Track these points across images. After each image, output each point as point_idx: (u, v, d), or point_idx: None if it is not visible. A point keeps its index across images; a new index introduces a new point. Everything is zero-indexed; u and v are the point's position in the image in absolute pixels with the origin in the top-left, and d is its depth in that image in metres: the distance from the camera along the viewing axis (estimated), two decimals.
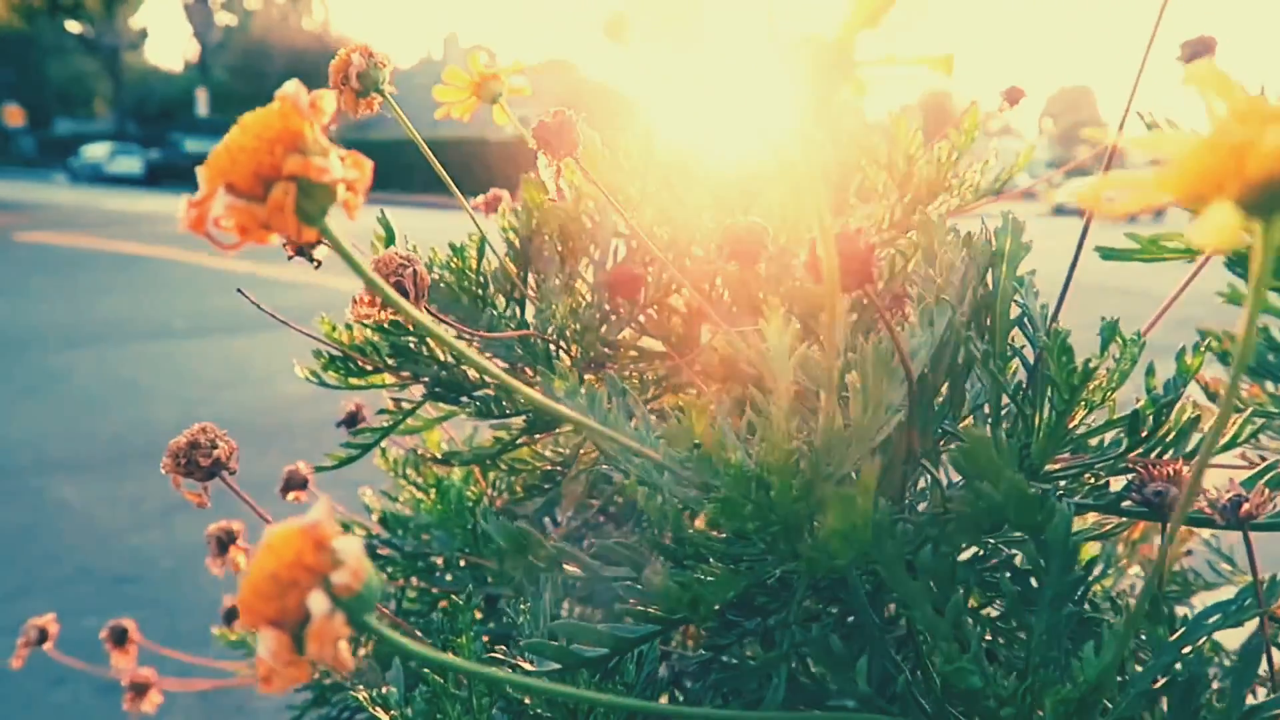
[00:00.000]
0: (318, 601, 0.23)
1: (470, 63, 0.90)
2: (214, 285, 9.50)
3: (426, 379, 0.70)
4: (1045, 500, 0.35)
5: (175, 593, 3.21)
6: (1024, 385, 0.45)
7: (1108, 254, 0.66)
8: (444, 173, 0.70)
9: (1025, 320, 0.46)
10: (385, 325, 0.72)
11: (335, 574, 0.24)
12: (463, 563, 0.91)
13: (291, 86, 0.28)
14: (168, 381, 5.87)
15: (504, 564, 0.93)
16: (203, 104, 36.92)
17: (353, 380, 0.74)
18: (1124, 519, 0.46)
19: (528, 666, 0.53)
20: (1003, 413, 0.47)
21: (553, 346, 0.67)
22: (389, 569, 0.94)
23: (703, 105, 0.71)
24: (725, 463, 0.41)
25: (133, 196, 24.69)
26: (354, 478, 0.98)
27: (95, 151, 32.24)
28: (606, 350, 0.68)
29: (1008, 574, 0.44)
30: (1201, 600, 0.58)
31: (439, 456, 0.85)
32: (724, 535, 0.43)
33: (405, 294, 0.45)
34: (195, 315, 8.04)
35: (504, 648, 0.58)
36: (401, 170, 28.66)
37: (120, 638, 0.98)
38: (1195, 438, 0.47)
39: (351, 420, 0.96)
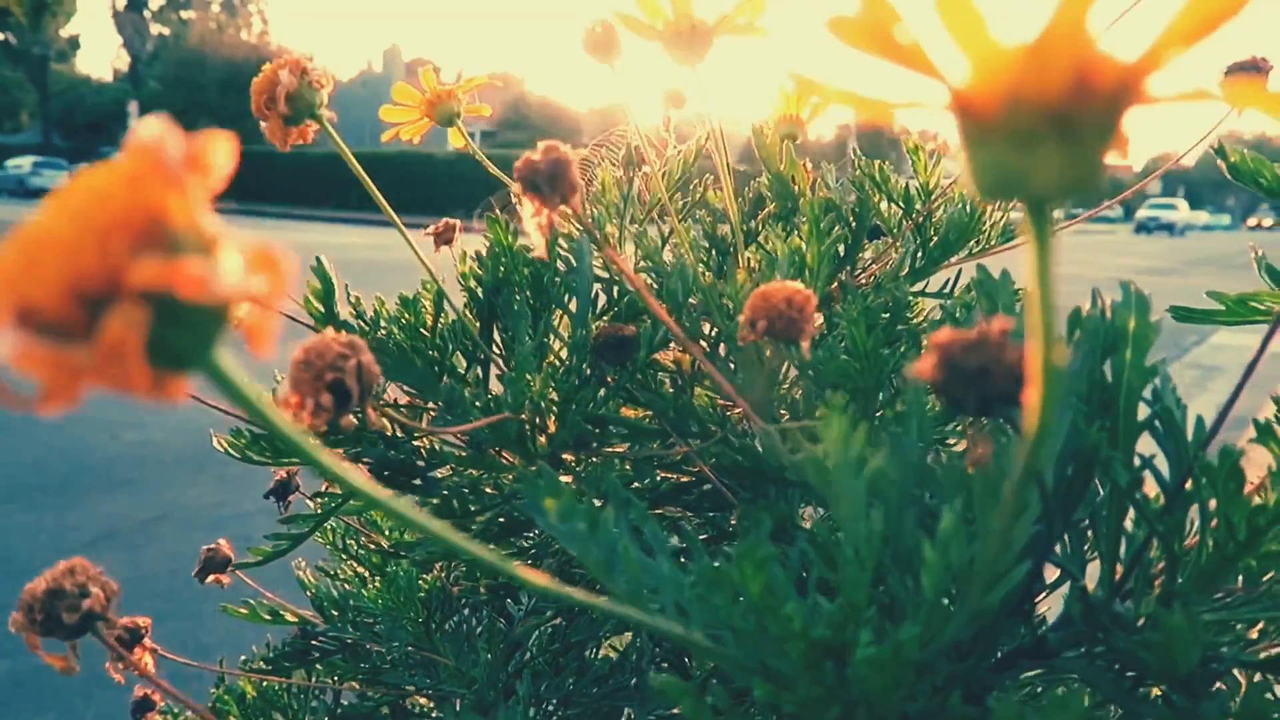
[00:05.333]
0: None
1: (424, 79, 0.78)
2: None
3: (370, 460, 0.58)
4: None
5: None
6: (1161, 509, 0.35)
7: (1183, 315, 0.57)
8: (383, 201, 0.58)
9: (1157, 422, 0.36)
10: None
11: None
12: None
13: (153, 128, 0.16)
14: (94, 404, 5.51)
15: (461, 662, 0.81)
16: (134, 116, 35.91)
17: (283, 459, 0.62)
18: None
19: None
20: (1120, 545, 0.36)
21: (527, 425, 0.55)
22: (324, 664, 0.81)
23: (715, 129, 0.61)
24: (790, 635, 0.30)
25: None
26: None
27: (19, 164, 31.16)
28: (591, 427, 0.57)
29: None
30: None
31: (385, 547, 0.72)
32: None
33: (346, 396, 0.33)
34: None
35: None
36: (342, 185, 28.25)
37: None
38: None
39: (282, 490, 0.83)
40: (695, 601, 0.34)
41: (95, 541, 3.63)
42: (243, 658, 0.86)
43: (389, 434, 0.59)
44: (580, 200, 0.39)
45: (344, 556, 0.89)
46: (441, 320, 0.64)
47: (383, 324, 0.63)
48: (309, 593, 0.88)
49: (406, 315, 0.60)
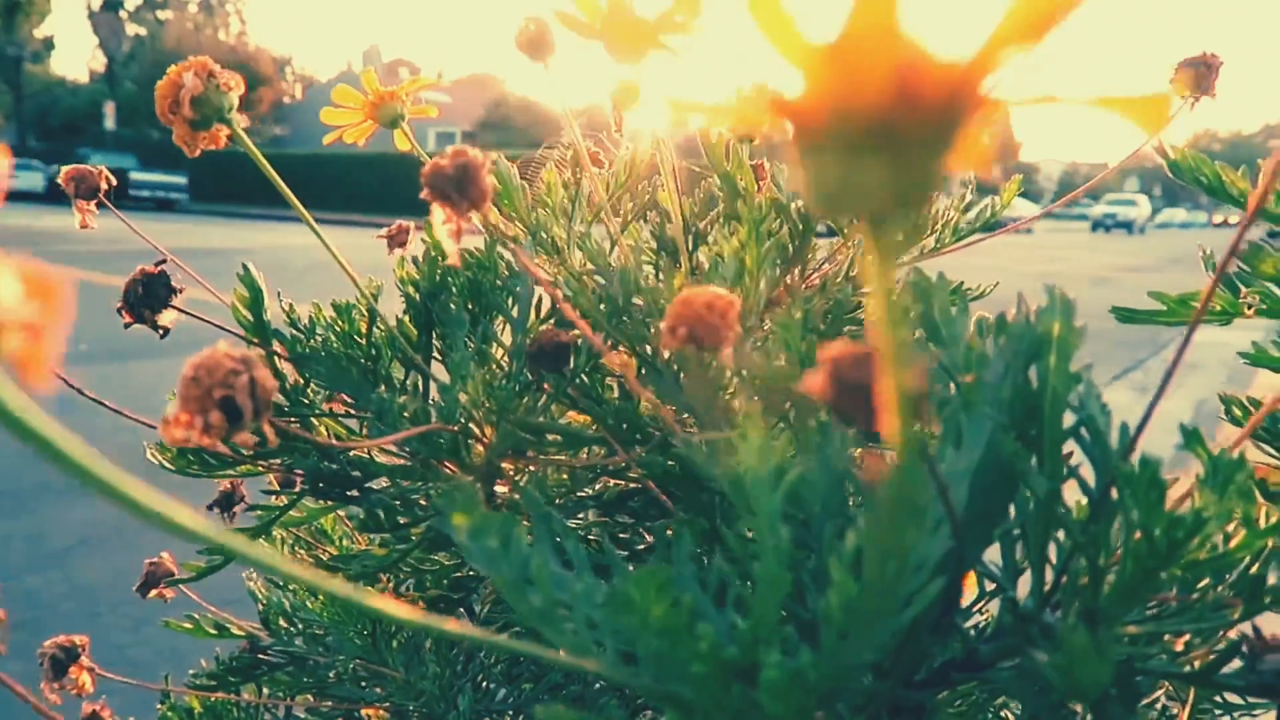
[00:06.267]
0: None
1: (366, 80, 0.77)
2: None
3: (303, 471, 0.56)
4: None
5: None
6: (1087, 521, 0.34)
7: (1125, 316, 0.56)
8: (289, 192, 0.56)
9: (1083, 429, 0.35)
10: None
11: None
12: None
13: None
14: (70, 409, 5.51)
15: (410, 674, 0.79)
16: (110, 117, 35.54)
17: (217, 471, 0.60)
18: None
19: None
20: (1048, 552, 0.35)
21: (460, 435, 0.54)
22: (274, 679, 0.79)
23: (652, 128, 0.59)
24: (696, 656, 0.29)
25: (34, 213, 23.61)
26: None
27: None
28: (527, 436, 0.55)
29: None
30: None
31: (324, 559, 0.71)
32: None
33: (238, 414, 0.32)
34: (102, 339, 7.61)
35: None
36: (323, 187, 28.07)
37: None
38: None
39: (227, 502, 0.81)
40: (607, 622, 0.33)
41: (71, 548, 3.58)
42: (191, 672, 0.84)
43: (324, 444, 0.57)
44: (490, 206, 0.37)
45: (309, 565, 0.87)
46: (381, 327, 0.63)
47: (319, 331, 0.62)
48: (260, 604, 0.86)
49: (340, 323, 0.59)
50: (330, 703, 0.78)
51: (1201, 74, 0.70)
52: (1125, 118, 0.14)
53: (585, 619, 0.34)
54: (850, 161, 0.15)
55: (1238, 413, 0.61)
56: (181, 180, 26.96)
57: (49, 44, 43.23)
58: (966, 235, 0.72)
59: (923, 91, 0.14)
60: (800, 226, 0.66)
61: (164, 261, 0.55)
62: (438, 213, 0.38)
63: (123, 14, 44.29)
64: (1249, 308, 0.51)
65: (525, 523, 0.42)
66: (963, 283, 0.66)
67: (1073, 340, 0.35)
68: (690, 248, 0.75)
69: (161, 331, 0.55)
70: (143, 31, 45.02)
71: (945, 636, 0.34)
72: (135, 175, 27.05)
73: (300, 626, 0.79)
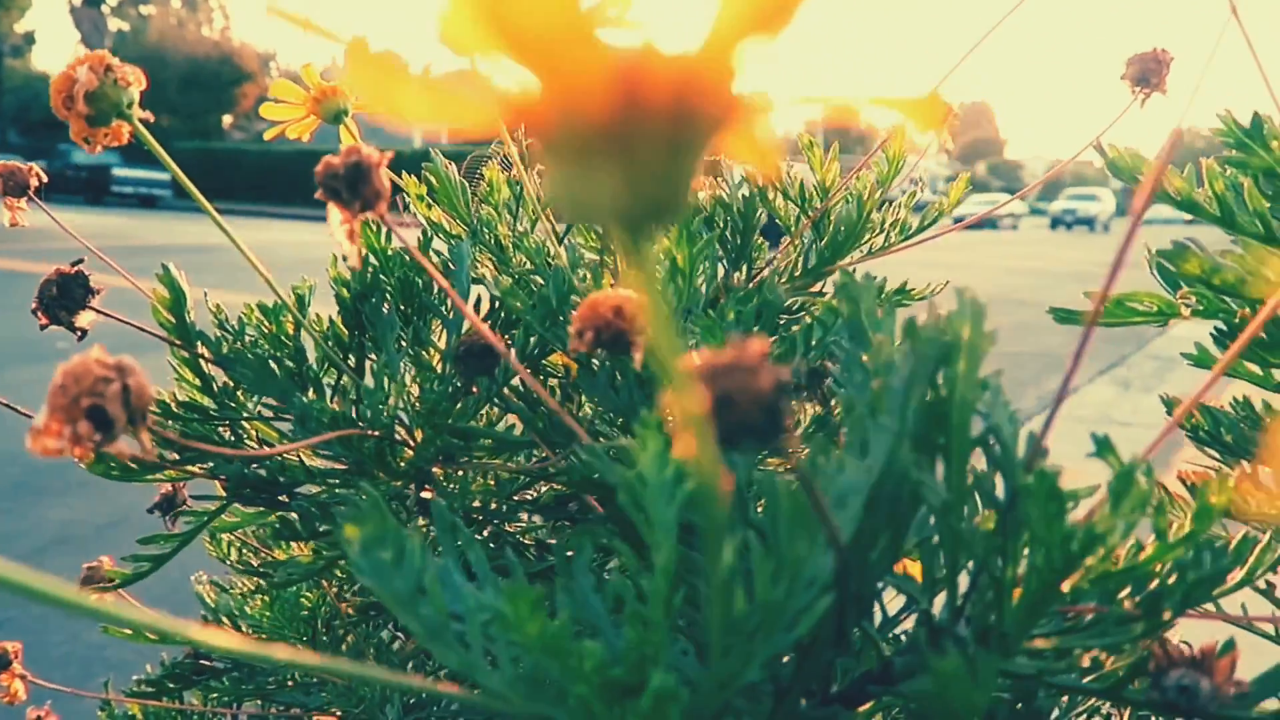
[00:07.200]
0: None
1: (306, 75, 0.75)
2: (107, 304, 8.93)
3: (226, 477, 0.55)
4: None
5: (48, 641, 2.95)
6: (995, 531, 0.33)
7: (1063, 316, 0.55)
8: (194, 188, 0.55)
9: (991, 439, 0.34)
10: (174, 407, 0.57)
11: None
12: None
13: None
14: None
15: (351, 680, 0.78)
16: None
17: (139, 476, 0.59)
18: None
19: None
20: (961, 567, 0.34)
21: (384, 439, 0.53)
22: (216, 685, 0.78)
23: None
24: (578, 676, 0.28)
25: None
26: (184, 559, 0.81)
27: None
28: (456, 441, 0.54)
29: None
30: None
31: (257, 566, 0.69)
32: None
33: (108, 424, 0.31)
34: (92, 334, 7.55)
35: None
36: (310, 182, 27.87)
37: None
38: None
39: (168, 505, 0.79)
40: (499, 637, 0.32)
41: (47, 547, 3.55)
42: (135, 678, 0.83)
43: (227, 453, 0.56)
44: (387, 206, 0.36)
45: (240, 569, 0.85)
46: (319, 328, 0.61)
47: (249, 331, 0.60)
48: (208, 607, 0.85)
49: (268, 325, 0.57)
50: (275, 708, 0.77)
51: (1151, 69, 0.69)
52: (902, 117, 0.13)
53: (480, 634, 0.33)
54: (585, 167, 0.14)
55: (1189, 415, 0.61)
56: (165, 176, 26.70)
57: (30, 38, 42.84)
58: (915, 234, 0.71)
59: (651, 93, 0.13)
60: (742, 224, 0.65)
61: (81, 261, 0.54)
62: (334, 213, 0.37)
63: (105, 9, 43.96)
64: (1186, 308, 0.50)
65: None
66: (905, 283, 0.65)
67: (983, 346, 0.34)
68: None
69: (79, 333, 0.53)
70: (125, 26, 44.66)
71: (849, 651, 0.33)
72: (118, 171, 26.77)
73: (244, 631, 0.78)
